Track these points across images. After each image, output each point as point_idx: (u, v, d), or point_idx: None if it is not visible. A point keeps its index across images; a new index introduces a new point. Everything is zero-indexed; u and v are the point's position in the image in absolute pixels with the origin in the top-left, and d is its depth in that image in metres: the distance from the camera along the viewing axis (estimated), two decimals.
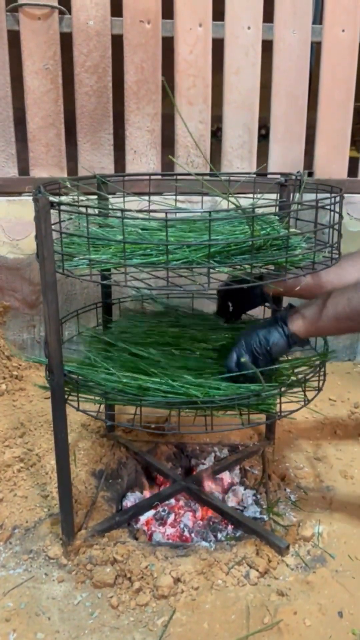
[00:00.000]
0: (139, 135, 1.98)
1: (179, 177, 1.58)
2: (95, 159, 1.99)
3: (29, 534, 1.24)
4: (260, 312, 1.44)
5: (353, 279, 1.22)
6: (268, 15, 1.94)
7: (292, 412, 1.13)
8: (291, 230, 1.06)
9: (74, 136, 1.97)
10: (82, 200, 1.22)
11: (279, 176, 1.37)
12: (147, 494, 1.42)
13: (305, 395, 1.15)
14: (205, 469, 1.44)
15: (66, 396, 1.12)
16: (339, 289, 1.11)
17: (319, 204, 1.03)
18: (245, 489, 1.43)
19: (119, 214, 1.08)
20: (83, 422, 1.63)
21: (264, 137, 2.10)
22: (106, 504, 1.34)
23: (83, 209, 1.00)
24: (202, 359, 1.25)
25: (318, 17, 2.12)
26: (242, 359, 1.10)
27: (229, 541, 1.23)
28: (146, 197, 1.43)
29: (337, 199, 1.07)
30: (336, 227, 1.08)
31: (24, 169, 1.98)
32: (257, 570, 1.13)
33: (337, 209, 1.07)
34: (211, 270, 0.97)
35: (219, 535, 1.28)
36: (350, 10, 1.94)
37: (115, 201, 1.43)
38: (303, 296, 1.25)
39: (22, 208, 1.92)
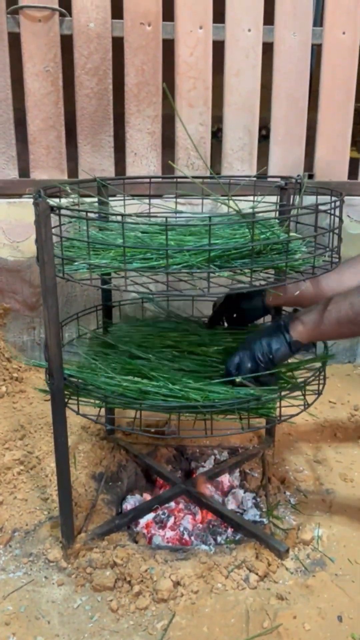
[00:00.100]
0: (140, 138, 1.98)
1: (179, 180, 1.59)
2: (96, 161, 1.99)
3: (28, 537, 1.24)
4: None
5: (353, 284, 1.22)
6: (268, 18, 1.94)
7: (291, 416, 1.13)
8: (291, 234, 1.06)
9: (74, 137, 1.97)
10: (83, 204, 1.22)
11: (279, 179, 1.37)
12: (147, 496, 1.42)
13: (305, 399, 1.16)
14: (205, 472, 1.44)
15: (66, 400, 1.12)
16: (341, 294, 1.11)
17: (319, 208, 1.03)
18: (245, 492, 1.43)
19: (119, 218, 1.08)
20: (83, 424, 1.63)
21: (264, 137, 2.10)
22: (106, 507, 1.34)
23: (83, 214, 1.00)
24: (203, 362, 1.25)
25: (318, 20, 2.13)
26: (238, 380, 1.10)
27: (229, 544, 1.24)
28: (146, 200, 1.43)
29: (337, 203, 1.07)
30: (336, 231, 1.08)
31: (23, 169, 1.98)
32: (257, 574, 1.13)
33: (337, 213, 1.07)
34: (211, 275, 0.97)
35: (219, 539, 1.28)
36: (350, 13, 1.94)
37: (115, 204, 1.43)
38: (303, 304, 1.25)
39: (23, 210, 1.92)
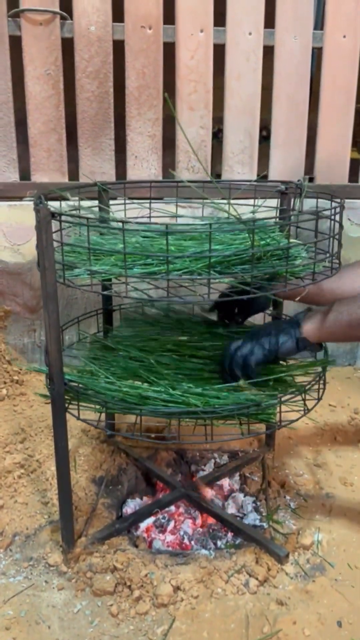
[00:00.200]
0: (140, 141, 1.99)
1: (179, 184, 1.59)
2: (97, 164, 1.99)
3: (29, 541, 1.24)
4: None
5: (352, 287, 1.23)
6: (269, 21, 1.94)
7: (291, 422, 1.13)
8: (292, 240, 1.06)
9: (75, 138, 1.98)
10: (83, 207, 1.22)
11: (279, 184, 1.37)
12: (147, 500, 1.43)
13: (305, 404, 1.16)
14: (205, 476, 1.44)
15: (66, 405, 1.12)
16: (352, 297, 1.12)
17: (320, 213, 1.03)
18: (245, 496, 1.43)
19: (120, 225, 1.08)
20: (83, 427, 1.63)
21: (265, 138, 2.10)
22: (106, 511, 1.34)
23: (84, 220, 1.00)
24: (203, 365, 1.25)
25: (319, 23, 2.13)
26: (240, 382, 1.12)
27: (229, 549, 1.24)
28: (147, 203, 1.43)
29: (338, 209, 1.07)
30: (336, 237, 1.08)
31: (24, 169, 1.98)
32: (257, 579, 1.13)
33: (338, 219, 1.07)
34: (211, 280, 0.97)
35: (219, 543, 1.28)
36: (351, 16, 1.94)
37: (116, 208, 1.43)
38: (303, 301, 1.26)
39: (23, 213, 1.92)
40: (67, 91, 1.93)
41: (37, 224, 0.98)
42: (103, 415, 1.18)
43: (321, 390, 1.20)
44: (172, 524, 1.33)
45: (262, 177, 2.05)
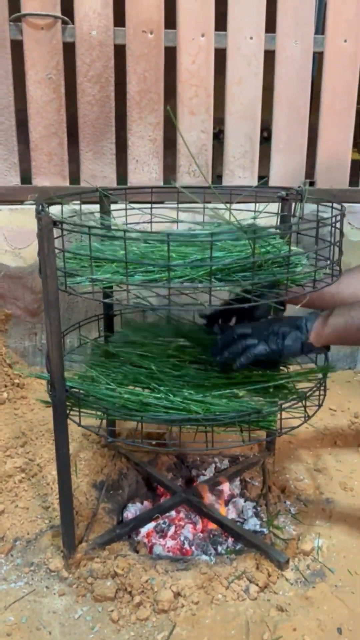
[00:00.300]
0: (141, 145, 1.99)
1: (180, 190, 1.59)
2: (98, 168, 1.99)
3: (30, 546, 1.25)
4: None
5: (352, 291, 1.24)
6: (270, 25, 1.94)
7: (292, 428, 1.14)
8: (293, 248, 1.06)
9: (76, 140, 1.98)
10: (85, 213, 1.22)
11: (280, 190, 1.37)
12: (147, 504, 1.43)
13: (305, 411, 1.16)
14: (206, 481, 1.45)
15: (67, 411, 1.12)
16: (358, 302, 1.13)
17: (320, 221, 1.03)
18: (245, 501, 1.44)
19: (121, 233, 1.08)
20: (84, 431, 1.63)
21: (266, 139, 2.11)
22: (107, 516, 1.34)
23: (85, 228, 1.01)
24: (204, 372, 1.26)
25: (320, 28, 2.13)
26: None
27: (229, 555, 1.24)
28: (148, 208, 1.43)
29: (339, 217, 1.07)
30: (337, 244, 1.08)
31: (24, 170, 1.99)
32: (257, 585, 1.14)
33: (339, 226, 1.08)
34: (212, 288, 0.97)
35: (219, 548, 1.28)
36: (352, 21, 1.95)
37: (117, 213, 1.43)
38: (303, 306, 1.26)
39: (24, 217, 1.93)
40: (69, 95, 1.94)
41: (38, 232, 0.98)
42: (104, 421, 1.19)
43: (322, 397, 1.20)
44: (172, 529, 1.33)
45: (263, 181, 2.05)
